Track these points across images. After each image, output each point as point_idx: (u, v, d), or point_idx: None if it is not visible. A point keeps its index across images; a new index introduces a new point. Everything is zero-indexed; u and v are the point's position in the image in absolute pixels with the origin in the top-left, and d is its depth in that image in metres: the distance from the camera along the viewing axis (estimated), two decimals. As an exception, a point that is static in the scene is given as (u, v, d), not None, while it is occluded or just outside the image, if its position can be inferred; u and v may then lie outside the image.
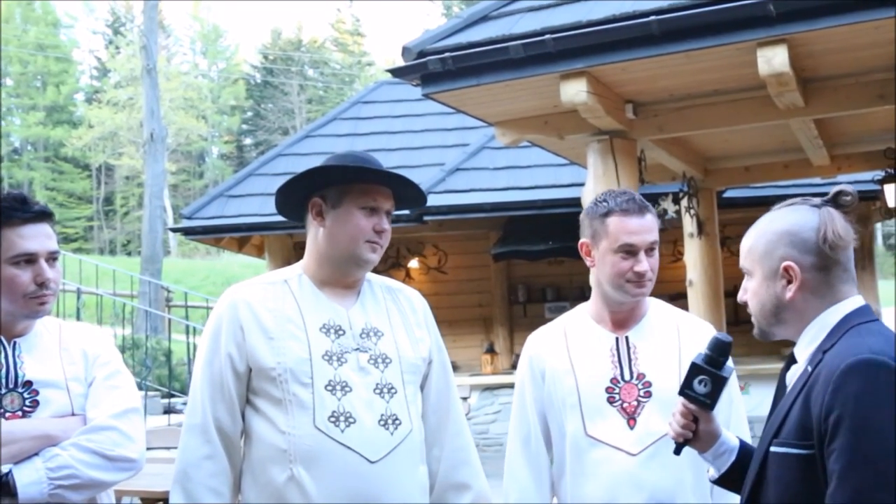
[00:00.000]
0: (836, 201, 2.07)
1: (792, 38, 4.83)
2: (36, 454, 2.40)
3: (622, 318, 2.84)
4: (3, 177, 46.70)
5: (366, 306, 2.71)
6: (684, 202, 8.10)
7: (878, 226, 11.35)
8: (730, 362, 2.22)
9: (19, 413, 2.47)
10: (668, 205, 8.09)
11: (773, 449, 1.95)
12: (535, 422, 2.88)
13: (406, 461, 2.58)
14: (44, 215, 2.57)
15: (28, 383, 2.51)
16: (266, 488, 2.52)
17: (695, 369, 2.19)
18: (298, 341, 2.57)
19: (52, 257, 2.56)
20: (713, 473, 2.29)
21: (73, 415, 2.53)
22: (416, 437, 2.64)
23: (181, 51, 60.13)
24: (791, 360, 2.10)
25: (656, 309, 2.91)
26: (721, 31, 4.87)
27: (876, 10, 4.56)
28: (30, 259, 2.51)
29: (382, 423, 2.55)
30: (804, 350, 2.03)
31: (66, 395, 2.55)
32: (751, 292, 2.10)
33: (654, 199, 8.18)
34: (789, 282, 2.02)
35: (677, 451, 2.26)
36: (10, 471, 2.35)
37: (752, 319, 2.12)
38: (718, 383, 2.17)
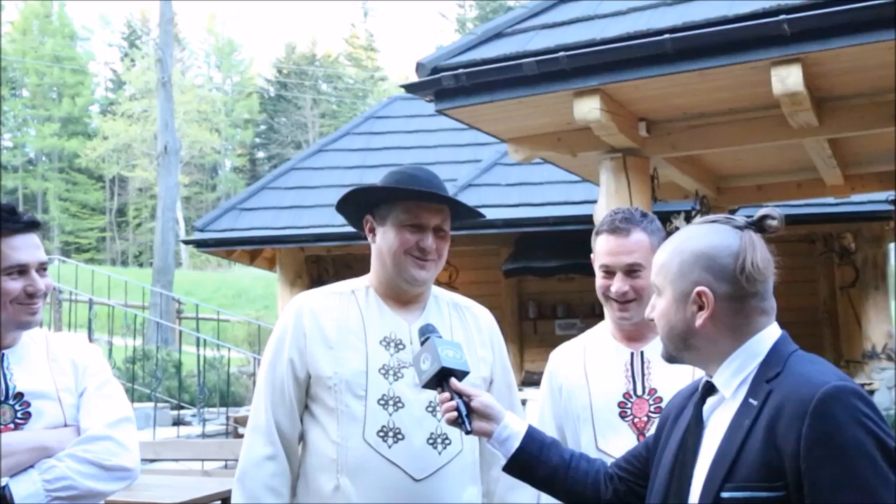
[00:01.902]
0: (760, 225, 1.92)
1: (806, 57, 4.83)
2: (32, 466, 2.40)
3: (636, 334, 2.84)
4: (17, 187, 46.91)
5: (430, 322, 2.66)
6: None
7: (892, 246, 11.30)
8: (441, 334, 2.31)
9: (11, 425, 2.46)
10: (680, 223, 8.06)
11: (727, 495, 1.74)
12: (553, 435, 2.89)
13: (452, 481, 2.57)
14: (33, 225, 2.57)
15: (19, 395, 2.50)
16: (316, 495, 2.56)
17: (416, 362, 2.27)
18: (357, 352, 2.60)
19: (42, 267, 2.56)
20: (503, 462, 2.23)
21: (65, 425, 2.53)
22: (466, 457, 2.63)
23: (196, 64, 60.57)
24: (707, 391, 1.95)
25: None
26: (735, 49, 4.87)
27: (890, 30, 4.55)
28: (22, 270, 2.51)
29: (431, 441, 2.56)
30: (729, 381, 1.88)
31: (58, 406, 2.54)
32: (659, 312, 1.96)
33: (666, 217, 8.18)
34: (700, 308, 1.87)
35: (467, 431, 2.19)
36: (6, 483, 2.34)
37: (660, 339, 1.99)
38: (430, 348, 2.23)
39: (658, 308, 1.96)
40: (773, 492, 1.70)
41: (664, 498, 1.93)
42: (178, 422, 12.21)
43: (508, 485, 2.76)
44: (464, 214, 2.80)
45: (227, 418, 11.23)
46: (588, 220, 6.45)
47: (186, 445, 7.43)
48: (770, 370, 1.82)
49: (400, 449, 2.52)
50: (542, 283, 12.25)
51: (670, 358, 1.98)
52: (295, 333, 2.64)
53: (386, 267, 2.67)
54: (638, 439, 2.68)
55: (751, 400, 1.80)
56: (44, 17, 53.15)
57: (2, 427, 2.45)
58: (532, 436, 2.21)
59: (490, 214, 11.02)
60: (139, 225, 51.09)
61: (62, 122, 51.36)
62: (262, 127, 58.25)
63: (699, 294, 1.87)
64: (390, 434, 2.52)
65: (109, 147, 45.52)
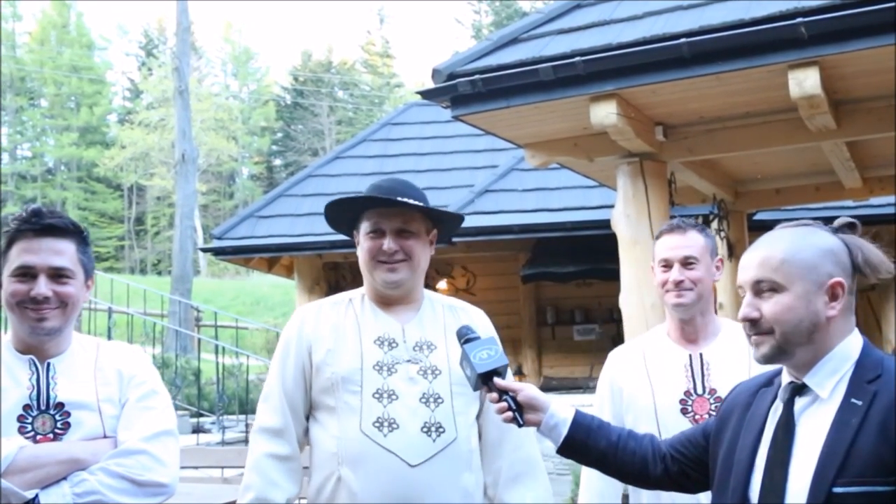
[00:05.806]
0: (849, 230, 2.06)
1: (823, 60, 4.81)
2: (64, 479, 2.36)
3: (694, 335, 3.10)
4: (36, 196, 47.22)
5: (423, 321, 2.90)
6: (714, 225, 8.05)
7: (912, 249, 11.21)
8: (477, 333, 2.49)
9: (50, 435, 2.43)
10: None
11: (840, 489, 1.81)
12: None
13: (447, 467, 2.72)
14: (52, 230, 2.49)
15: (60, 405, 2.46)
16: (322, 488, 2.75)
17: (461, 367, 2.46)
18: (352, 351, 2.80)
19: (56, 273, 2.47)
20: (554, 447, 2.37)
21: (104, 437, 2.48)
22: (461, 445, 2.77)
23: (213, 72, 60.80)
24: (796, 391, 1.99)
25: (729, 328, 3.14)
26: (752, 53, 4.85)
27: (908, 32, 4.53)
28: (26, 273, 2.45)
29: (425, 430, 2.72)
30: (824, 381, 1.94)
31: (97, 417, 2.49)
32: (783, 306, 1.95)
33: (683, 221, 8.14)
34: (832, 300, 1.95)
35: (520, 424, 2.35)
36: (36, 495, 2.31)
37: (767, 338, 1.98)
38: (465, 355, 2.41)
39: (781, 303, 1.97)
40: (888, 486, 1.78)
41: (743, 494, 1.99)
42: (197, 429, 12.23)
43: (509, 476, 2.89)
44: (443, 223, 2.97)
45: (247, 426, 11.25)
46: (605, 224, 6.43)
47: (206, 453, 7.43)
48: (868, 372, 1.92)
49: (395, 437, 2.69)
50: (560, 289, 12.23)
51: (780, 355, 1.99)
52: (300, 340, 2.86)
53: (366, 274, 2.90)
54: None
55: (853, 400, 1.88)
56: (61, 27, 53.50)
57: (40, 437, 2.42)
58: (579, 422, 2.34)
59: (507, 220, 11.03)
60: (157, 233, 51.33)
61: (80, 131, 51.66)
62: (279, 134, 58.40)
63: (834, 286, 1.96)
64: (385, 424, 2.70)
65: (127, 156, 45.76)
